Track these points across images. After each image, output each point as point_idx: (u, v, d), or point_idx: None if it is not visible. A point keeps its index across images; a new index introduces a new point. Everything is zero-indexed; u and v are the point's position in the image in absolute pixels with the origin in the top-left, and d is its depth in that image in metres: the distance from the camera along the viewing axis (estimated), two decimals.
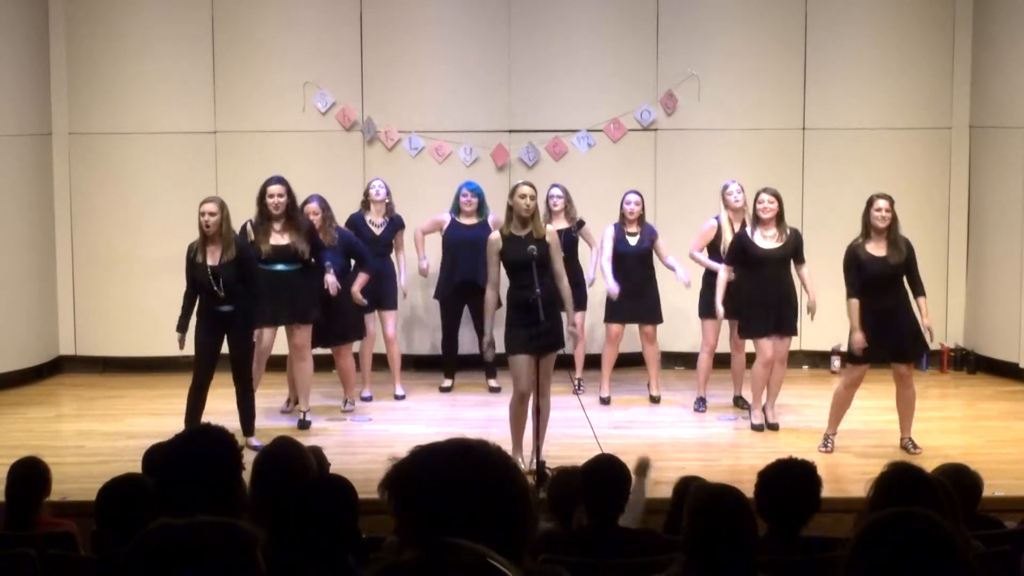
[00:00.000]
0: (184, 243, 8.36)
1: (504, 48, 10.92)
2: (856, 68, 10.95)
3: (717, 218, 9.37)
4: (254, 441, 8.03)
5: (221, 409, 8.35)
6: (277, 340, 8.98)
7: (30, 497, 5.29)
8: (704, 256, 9.38)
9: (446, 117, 10.90)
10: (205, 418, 7.93)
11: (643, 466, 5.85)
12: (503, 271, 7.90)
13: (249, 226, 8.75)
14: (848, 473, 7.84)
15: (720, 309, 9.03)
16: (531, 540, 2.25)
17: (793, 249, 8.80)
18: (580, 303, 9.50)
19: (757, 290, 8.78)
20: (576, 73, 10.92)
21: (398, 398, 9.93)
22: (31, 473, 5.36)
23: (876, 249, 8.16)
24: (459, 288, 9.91)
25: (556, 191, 9.84)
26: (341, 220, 9.58)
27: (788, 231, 8.81)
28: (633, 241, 9.63)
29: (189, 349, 8.37)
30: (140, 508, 4.06)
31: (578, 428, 8.34)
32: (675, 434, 8.98)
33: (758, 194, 8.83)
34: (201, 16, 10.81)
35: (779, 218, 8.78)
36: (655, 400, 9.84)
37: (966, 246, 11.10)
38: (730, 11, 10.95)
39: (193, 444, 3.53)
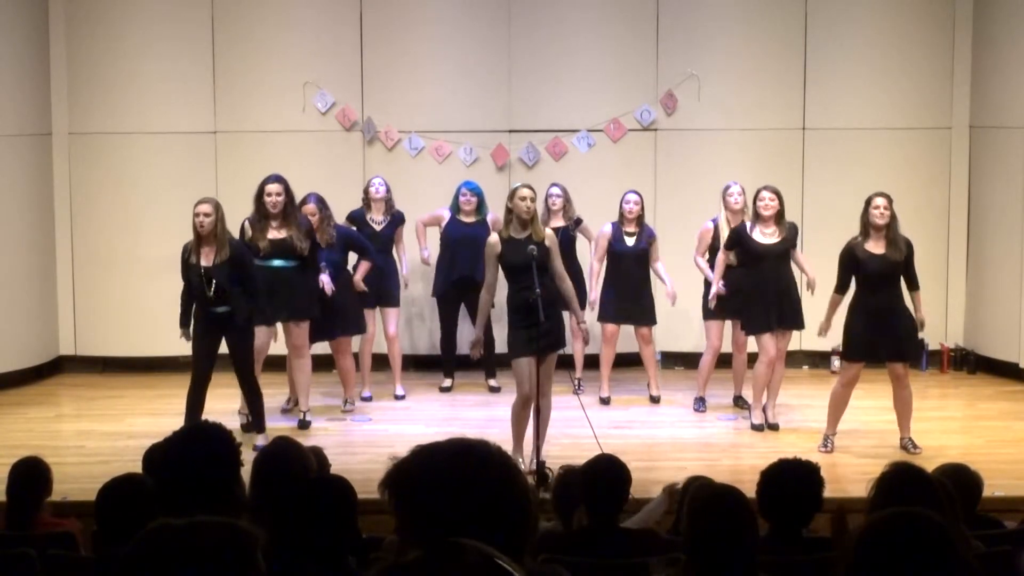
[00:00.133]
0: (184, 243, 8.35)
1: (504, 48, 10.92)
2: (856, 68, 10.95)
3: (714, 220, 9.38)
4: (260, 441, 8.01)
5: (221, 409, 8.36)
6: (277, 341, 8.98)
7: (31, 497, 5.30)
8: (705, 263, 9.36)
9: (446, 117, 10.90)
10: (205, 417, 7.91)
11: (672, 492, 5.84)
12: (501, 274, 7.90)
13: (247, 224, 8.75)
14: (848, 473, 7.84)
15: (718, 287, 9.02)
16: (531, 540, 2.25)
17: (791, 244, 8.81)
18: (580, 302, 9.50)
19: (757, 286, 8.79)
20: (576, 73, 10.92)
21: (398, 398, 9.93)
22: (32, 473, 5.36)
23: (875, 247, 8.17)
24: (457, 285, 9.91)
25: (555, 190, 9.85)
26: (340, 220, 9.58)
27: (787, 226, 8.82)
28: (631, 241, 9.63)
29: (188, 348, 8.37)
30: (140, 508, 4.06)
31: (578, 428, 8.34)
32: (675, 434, 8.98)
33: (759, 191, 8.84)
34: (201, 16, 10.81)
35: (779, 216, 8.79)
36: (655, 400, 9.84)
37: (966, 246, 11.10)
38: (730, 11, 10.95)
39: (191, 442, 3.53)
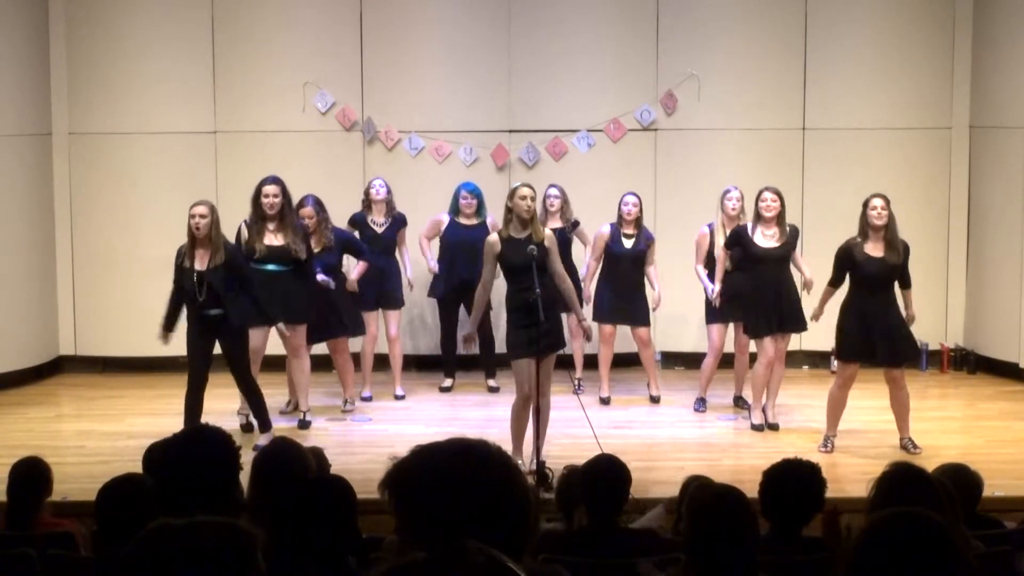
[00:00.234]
0: (179, 247, 8.34)
1: (504, 48, 10.92)
2: (856, 68, 10.95)
3: (710, 225, 9.39)
4: (264, 440, 8.01)
5: (221, 409, 8.36)
6: (274, 341, 8.97)
7: (31, 497, 5.29)
8: (704, 273, 9.35)
9: (446, 117, 10.90)
10: (204, 419, 7.91)
11: (671, 507, 5.84)
12: (501, 274, 7.90)
13: (243, 226, 8.75)
14: (848, 473, 7.84)
15: (716, 287, 9.01)
16: (532, 540, 2.25)
17: (792, 247, 8.81)
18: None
19: (757, 289, 8.79)
20: (576, 73, 10.92)
21: (398, 398, 9.93)
22: (32, 473, 5.36)
23: (874, 250, 8.17)
24: (457, 288, 9.91)
25: (553, 191, 9.84)
26: (341, 220, 9.58)
27: (788, 229, 8.82)
28: (629, 243, 9.63)
29: (183, 349, 8.37)
30: (140, 508, 4.06)
31: (578, 428, 8.34)
32: (675, 434, 8.98)
33: (761, 192, 8.83)
34: (201, 16, 10.81)
35: (780, 217, 8.79)
36: (655, 400, 9.84)
37: (966, 246, 11.10)
38: (730, 11, 10.95)
39: (191, 444, 3.53)
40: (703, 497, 3.79)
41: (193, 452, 3.46)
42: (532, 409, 7.75)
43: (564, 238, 9.56)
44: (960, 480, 4.95)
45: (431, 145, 10.90)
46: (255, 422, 8.69)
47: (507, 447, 7.18)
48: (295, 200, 8.98)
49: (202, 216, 8.06)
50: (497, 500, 2.18)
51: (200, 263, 8.07)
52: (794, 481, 4.57)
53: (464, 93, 10.90)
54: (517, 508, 2.20)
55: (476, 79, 10.91)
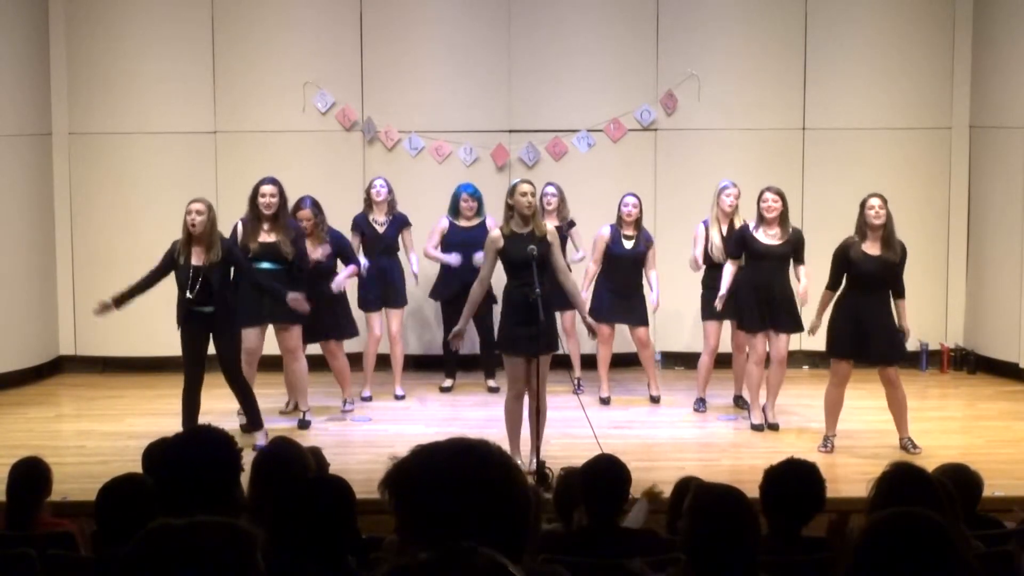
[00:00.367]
0: (173, 240, 8.34)
1: (504, 48, 10.92)
2: (856, 68, 10.95)
3: (705, 222, 9.39)
4: (259, 440, 8.02)
5: (220, 409, 8.36)
6: (271, 342, 8.97)
7: (31, 497, 5.29)
8: (728, 273, 9.28)
9: (446, 117, 10.90)
10: (203, 419, 7.92)
11: (654, 496, 5.84)
12: (501, 270, 7.91)
13: (240, 224, 8.76)
14: (848, 473, 7.84)
15: (722, 295, 9.00)
16: (532, 540, 2.25)
17: (793, 249, 8.81)
18: (568, 302, 9.55)
19: (754, 286, 8.80)
20: (576, 73, 10.92)
21: (398, 398, 9.93)
22: (32, 473, 5.36)
23: (871, 248, 8.17)
24: (460, 290, 9.91)
25: (551, 189, 9.83)
26: (341, 220, 9.58)
27: (791, 230, 8.82)
28: (629, 244, 9.63)
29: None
30: (140, 508, 4.06)
31: (578, 428, 8.34)
32: (675, 434, 8.98)
33: (762, 192, 8.83)
34: (201, 16, 10.81)
35: (783, 217, 8.79)
36: (655, 400, 9.84)
37: (966, 246, 11.10)
38: (730, 11, 10.95)
39: (193, 446, 3.53)
40: (704, 497, 3.79)
41: (194, 453, 3.46)
42: (530, 409, 7.76)
43: (560, 237, 9.56)
44: (960, 480, 4.95)
45: (431, 145, 10.90)
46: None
47: (506, 447, 7.19)
48: (293, 201, 8.99)
49: (199, 213, 8.07)
50: (497, 500, 2.18)
51: (196, 259, 8.08)
52: (795, 481, 4.57)
53: (464, 93, 10.90)
54: (517, 508, 2.20)
55: (476, 79, 10.91)
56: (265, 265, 8.60)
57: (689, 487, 4.45)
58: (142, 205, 10.80)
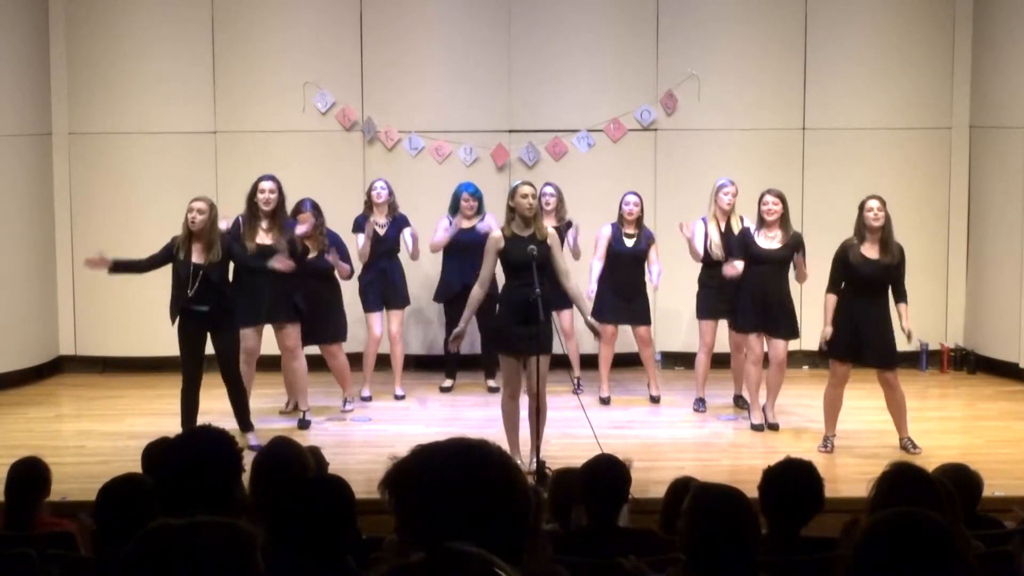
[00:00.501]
0: (173, 236, 8.35)
1: (504, 48, 10.92)
2: (856, 68, 10.95)
3: (703, 219, 9.40)
4: (252, 440, 8.02)
5: (220, 409, 8.35)
6: (269, 342, 8.97)
7: (30, 497, 5.29)
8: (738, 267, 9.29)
9: (446, 117, 10.90)
10: (203, 418, 7.93)
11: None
12: (500, 271, 7.91)
13: (240, 219, 8.75)
14: (848, 473, 7.84)
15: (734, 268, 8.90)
16: (532, 540, 2.25)
17: (792, 252, 8.80)
18: (566, 302, 9.57)
19: (752, 287, 8.80)
20: (576, 73, 10.92)
21: (398, 398, 9.93)
22: (31, 473, 5.35)
23: (869, 251, 8.17)
24: (461, 292, 9.92)
25: (549, 189, 9.82)
26: (340, 219, 9.58)
27: (791, 234, 8.82)
28: (630, 243, 9.63)
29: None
30: (140, 508, 4.05)
31: (578, 428, 8.34)
32: (675, 434, 8.98)
33: (763, 195, 8.83)
34: (201, 16, 10.81)
35: (783, 220, 8.79)
36: (655, 400, 9.84)
37: (966, 246, 11.10)
38: (730, 11, 10.95)
39: (193, 445, 3.53)
40: (703, 497, 3.78)
41: (194, 453, 3.45)
42: (530, 409, 7.76)
43: (560, 236, 9.56)
44: (960, 480, 4.95)
45: (431, 145, 10.90)
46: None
47: (506, 447, 7.19)
48: (292, 204, 8.99)
49: (200, 212, 8.09)
50: (497, 500, 2.18)
51: (196, 257, 8.09)
52: (793, 481, 4.58)
53: (464, 93, 10.90)
54: (517, 508, 2.20)
55: (476, 79, 10.91)
56: (266, 265, 8.59)
57: (684, 487, 4.46)
58: (142, 205, 10.80)
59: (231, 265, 8.39)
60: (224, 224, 8.58)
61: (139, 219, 10.80)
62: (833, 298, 8.27)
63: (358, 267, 9.66)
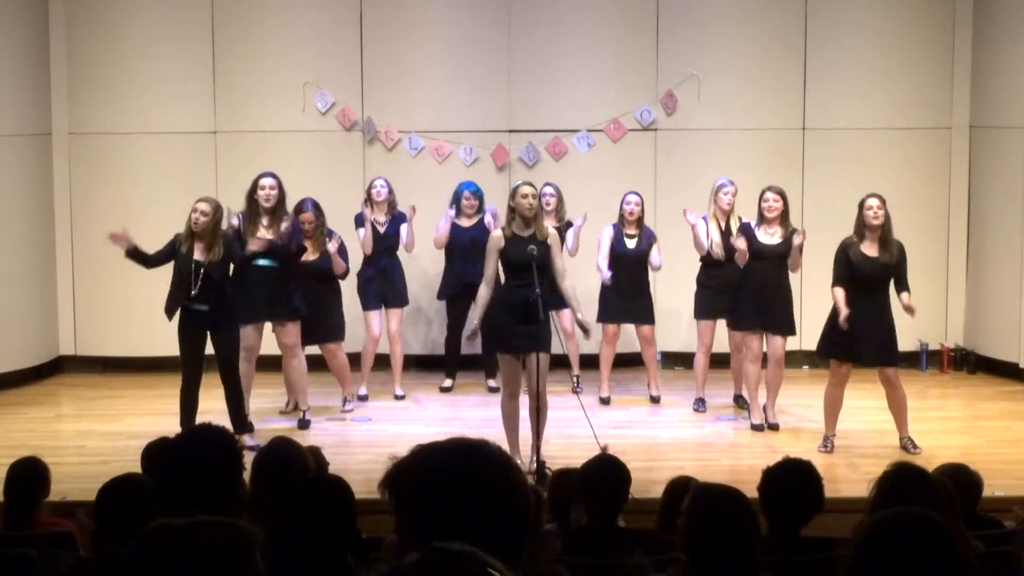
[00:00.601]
0: (176, 233, 8.35)
1: (504, 48, 10.92)
2: (856, 68, 10.95)
3: (704, 218, 9.40)
4: (249, 441, 8.02)
5: (219, 408, 8.35)
6: (269, 342, 8.97)
7: (29, 497, 5.29)
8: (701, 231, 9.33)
9: (446, 117, 10.90)
10: (203, 418, 7.91)
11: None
12: (500, 270, 7.92)
13: (241, 217, 8.75)
14: (848, 473, 7.84)
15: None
16: (533, 540, 2.25)
17: (789, 246, 8.80)
18: (563, 302, 9.57)
19: (751, 284, 8.80)
20: (576, 73, 10.92)
21: (398, 398, 9.92)
22: (30, 473, 5.35)
23: (869, 250, 8.18)
24: (464, 289, 9.94)
25: (549, 189, 9.82)
26: (341, 221, 9.58)
27: (791, 229, 8.83)
28: (631, 243, 9.63)
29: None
30: (140, 508, 4.05)
31: (578, 428, 8.34)
32: (675, 434, 8.98)
33: (763, 192, 8.84)
34: (201, 16, 10.81)
35: (783, 217, 8.79)
36: (655, 400, 9.84)
37: (966, 246, 11.10)
38: (730, 11, 10.95)
39: (193, 444, 3.53)
40: (703, 497, 3.78)
41: (195, 452, 3.45)
42: (530, 409, 7.77)
43: (560, 236, 9.56)
44: (960, 480, 4.96)
45: (431, 145, 10.90)
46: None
47: (506, 447, 7.18)
48: (294, 203, 9.00)
49: (203, 213, 8.10)
50: (497, 500, 2.18)
51: (199, 255, 8.11)
52: (792, 481, 4.57)
53: (464, 93, 10.90)
54: (517, 508, 2.20)
55: (476, 79, 10.91)
56: (263, 262, 8.61)
57: (682, 487, 4.46)
58: (142, 205, 10.79)
59: (231, 264, 8.40)
60: (235, 221, 8.60)
61: (139, 219, 10.76)
62: (841, 290, 8.20)
63: (362, 260, 9.65)
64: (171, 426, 7.44)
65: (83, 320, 10.98)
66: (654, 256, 9.60)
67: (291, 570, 3.45)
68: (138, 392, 10.14)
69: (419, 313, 10.91)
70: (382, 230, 9.80)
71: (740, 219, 9.21)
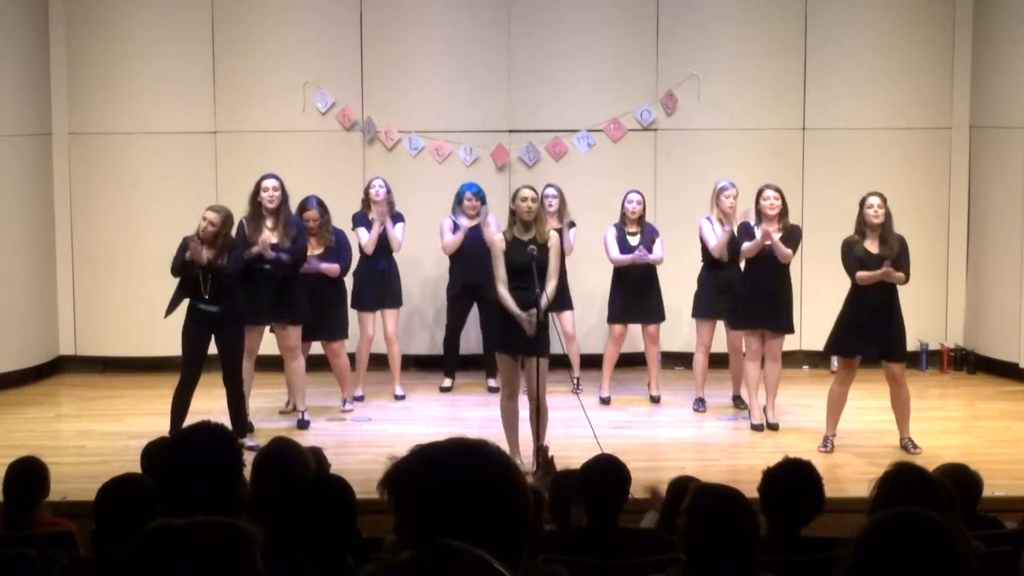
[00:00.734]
0: (185, 236, 8.34)
1: (504, 48, 10.92)
2: (856, 68, 10.95)
3: (708, 218, 9.40)
4: (249, 441, 8.02)
5: (220, 408, 8.35)
6: (269, 342, 8.97)
7: (28, 497, 5.28)
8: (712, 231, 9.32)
9: (446, 117, 10.90)
10: (203, 417, 7.89)
11: (655, 491, 5.84)
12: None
13: (244, 222, 8.74)
14: (848, 473, 7.84)
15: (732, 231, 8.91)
16: (533, 540, 2.25)
17: (790, 245, 8.79)
18: (566, 303, 9.57)
19: (751, 283, 8.80)
20: (576, 73, 10.92)
21: (398, 398, 9.92)
22: (29, 473, 5.35)
23: (871, 247, 8.18)
24: (462, 292, 9.94)
25: (551, 191, 9.82)
26: (342, 222, 9.58)
27: (789, 228, 8.83)
28: (634, 241, 9.63)
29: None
30: (140, 508, 4.05)
31: (578, 428, 8.34)
32: (675, 434, 8.98)
33: (762, 190, 8.84)
34: (201, 16, 10.81)
35: (782, 214, 8.80)
36: (655, 400, 9.84)
37: (966, 246, 11.10)
38: (730, 11, 10.95)
39: (193, 444, 3.52)
40: (703, 497, 3.79)
41: (195, 452, 3.45)
42: (530, 410, 7.77)
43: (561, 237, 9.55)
44: (960, 480, 4.95)
45: (431, 145, 10.90)
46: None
47: (505, 447, 7.18)
48: (297, 201, 9.00)
49: (211, 223, 8.10)
50: (496, 500, 2.17)
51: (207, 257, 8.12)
52: (792, 481, 4.57)
53: (464, 93, 10.90)
54: (516, 508, 2.20)
55: (476, 79, 10.91)
56: (267, 265, 8.60)
57: (684, 486, 4.46)
58: (142, 205, 10.80)
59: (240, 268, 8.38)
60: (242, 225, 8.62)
61: (139, 219, 10.81)
62: (863, 274, 8.09)
63: (359, 260, 9.66)
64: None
65: (83, 320, 10.98)
66: (656, 248, 9.59)
67: (291, 570, 3.45)
68: (138, 392, 10.13)
69: (419, 313, 10.91)
70: (380, 230, 9.79)
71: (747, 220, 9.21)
